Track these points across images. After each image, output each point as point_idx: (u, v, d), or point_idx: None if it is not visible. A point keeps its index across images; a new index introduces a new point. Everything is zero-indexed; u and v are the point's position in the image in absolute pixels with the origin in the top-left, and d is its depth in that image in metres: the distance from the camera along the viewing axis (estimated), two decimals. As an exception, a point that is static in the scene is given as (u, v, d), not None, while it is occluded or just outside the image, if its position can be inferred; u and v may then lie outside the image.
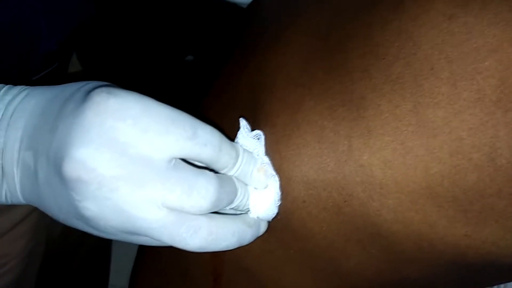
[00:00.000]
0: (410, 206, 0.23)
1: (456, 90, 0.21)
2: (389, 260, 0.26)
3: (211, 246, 0.23)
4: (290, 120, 0.26)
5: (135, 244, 0.42)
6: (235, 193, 0.24)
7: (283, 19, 0.32)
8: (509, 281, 0.32)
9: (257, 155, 0.26)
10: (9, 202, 0.25)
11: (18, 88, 0.25)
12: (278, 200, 0.26)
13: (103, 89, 0.22)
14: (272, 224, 0.27)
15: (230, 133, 0.26)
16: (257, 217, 0.26)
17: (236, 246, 0.25)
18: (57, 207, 0.23)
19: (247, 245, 0.26)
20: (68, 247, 0.61)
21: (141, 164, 0.21)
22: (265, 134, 0.27)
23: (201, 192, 0.22)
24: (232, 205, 0.25)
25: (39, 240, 0.53)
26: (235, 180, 0.25)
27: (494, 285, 0.32)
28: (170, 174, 0.22)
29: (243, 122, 0.27)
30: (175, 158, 0.22)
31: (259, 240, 0.27)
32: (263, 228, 0.26)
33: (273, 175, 0.26)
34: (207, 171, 0.23)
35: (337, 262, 0.27)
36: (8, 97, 0.25)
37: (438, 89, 0.22)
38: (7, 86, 0.25)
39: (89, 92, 0.22)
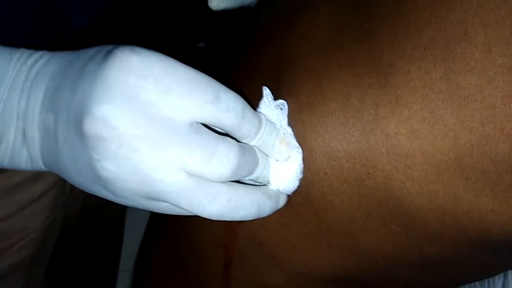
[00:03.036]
0: (436, 178, 0.22)
1: (491, 55, 0.21)
2: (410, 236, 0.25)
3: (229, 214, 0.23)
4: (314, 88, 0.25)
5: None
6: (256, 163, 0.24)
7: None
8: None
9: (280, 126, 0.26)
10: (30, 168, 0.25)
11: (40, 53, 0.25)
12: (300, 173, 0.25)
13: (126, 47, 0.21)
14: (292, 197, 0.26)
15: (254, 103, 0.26)
16: (277, 190, 0.25)
17: (254, 217, 0.24)
18: (75, 170, 0.23)
19: (261, 219, 0.25)
20: (82, 226, 0.62)
21: (162, 126, 0.21)
22: (288, 104, 0.26)
23: (222, 159, 0.22)
24: (252, 176, 0.24)
25: (57, 217, 0.53)
26: (256, 150, 0.24)
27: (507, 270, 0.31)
28: (191, 138, 0.21)
29: (266, 91, 0.26)
30: (197, 122, 0.22)
31: (277, 213, 0.26)
32: (282, 201, 0.26)
33: (296, 147, 0.25)
34: (229, 138, 0.23)
35: (356, 237, 0.26)
36: (31, 60, 0.24)
37: (471, 54, 0.21)
38: (30, 51, 0.25)
39: (111, 50, 0.22)
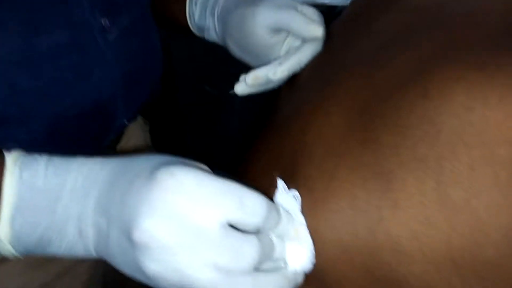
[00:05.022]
0: (434, 274, 0.26)
1: (474, 173, 0.24)
2: None
3: None
4: (326, 187, 0.30)
5: None
6: (273, 249, 0.28)
7: (324, 89, 0.35)
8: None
9: (294, 214, 0.30)
10: (84, 256, 0.30)
11: (93, 160, 0.30)
12: (312, 256, 0.29)
13: (164, 168, 0.26)
14: (309, 280, 0.30)
15: (270, 191, 0.30)
16: (294, 270, 0.29)
17: None
18: (125, 264, 0.28)
19: None
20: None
21: (195, 233, 0.26)
22: (302, 196, 0.30)
23: (247, 257, 0.26)
24: (271, 260, 0.28)
25: (98, 275, 0.57)
26: (273, 238, 0.28)
27: None
28: (219, 241, 0.26)
29: (281, 182, 0.30)
30: (226, 224, 0.26)
31: None
32: (299, 279, 0.30)
33: (307, 235, 0.29)
34: (251, 237, 0.27)
35: None
36: (85, 168, 0.30)
37: (458, 171, 0.24)
38: (84, 158, 0.30)
39: (152, 169, 0.27)
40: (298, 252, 0.29)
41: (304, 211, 0.30)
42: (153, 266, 0.26)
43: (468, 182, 0.24)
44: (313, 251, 0.29)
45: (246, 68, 0.44)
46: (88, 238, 0.29)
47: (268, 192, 0.30)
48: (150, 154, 0.29)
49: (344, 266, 0.29)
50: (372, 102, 0.30)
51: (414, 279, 0.26)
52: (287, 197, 0.30)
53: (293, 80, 0.43)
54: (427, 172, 0.25)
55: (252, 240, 0.27)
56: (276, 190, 0.30)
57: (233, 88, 0.43)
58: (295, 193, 0.30)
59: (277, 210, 0.28)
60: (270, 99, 0.46)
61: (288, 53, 0.42)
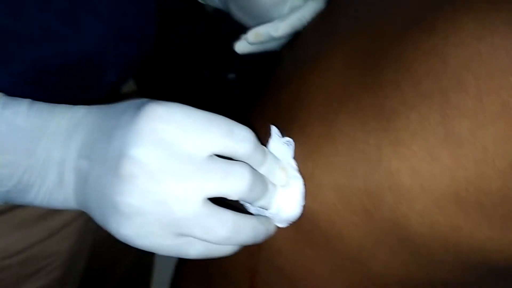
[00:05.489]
0: (437, 210, 0.25)
1: (482, 103, 0.23)
2: (418, 263, 0.27)
3: (234, 237, 0.26)
4: (325, 132, 0.29)
5: (175, 258, 0.44)
6: (266, 186, 0.27)
7: (325, 39, 0.35)
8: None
9: (286, 159, 0.29)
10: (64, 207, 0.29)
11: (77, 107, 0.29)
12: (302, 201, 0.29)
13: (152, 101, 0.26)
14: (301, 224, 0.29)
15: (266, 142, 0.30)
16: (281, 218, 0.29)
17: (251, 242, 0.27)
18: (98, 209, 0.27)
19: (278, 246, 0.30)
20: (113, 252, 0.64)
21: (183, 160, 0.25)
22: (298, 143, 0.30)
23: (237, 176, 0.25)
24: (260, 202, 0.28)
25: (86, 242, 0.56)
26: (265, 177, 0.28)
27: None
28: (208, 166, 0.25)
29: (274, 129, 0.30)
30: (213, 154, 0.26)
31: (290, 241, 0.29)
32: (272, 228, 0.29)
33: (298, 177, 0.29)
34: (241, 162, 0.26)
35: (367, 264, 0.28)
36: (69, 114, 0.29)
37: (465, 102, 0.24)
38: (67, 106, 0.30)
39: (139, 105, 0.26)
40: (288, 199, 0.29)
41: (301, 157, 0.30)
42: (132, 200, 0.25)
43: (474, 114, 0.23)
44: (303, 199, 0.29)
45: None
46: (69, 186, 0.28)
47: (265, 143, 0.29)
48: (137, 98, 0.29)
49: (340, 209, 0.28)
50: (375, 44, 0.29)
51: (414, 217, 0.25)
52: (279, 144, 0.30)
53: (294, 40, 0.42)
54: (432, 107, 0.25)
55: (242, 163, 0.26)
56: (269, 138, 0.30)
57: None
58: (289, 139, 0.30)
59: (264, 149, 0.28)
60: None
61: (291, 12, 0.41)
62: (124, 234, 0.26)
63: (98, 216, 0.27)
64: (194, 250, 0.27)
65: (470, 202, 0.24)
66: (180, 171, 0.25)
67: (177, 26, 0.99)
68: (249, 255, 0.34)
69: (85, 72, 0.42)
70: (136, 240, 0.26)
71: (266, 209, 0.28)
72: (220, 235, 0.26)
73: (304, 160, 0.29)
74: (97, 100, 0.32)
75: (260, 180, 0.27)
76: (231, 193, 0.25)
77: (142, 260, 0.74)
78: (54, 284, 0.53)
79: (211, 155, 0.26)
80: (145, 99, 0.27)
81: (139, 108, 0.26)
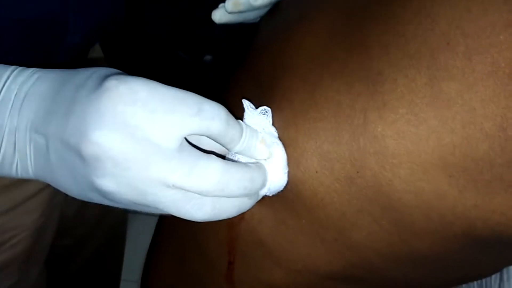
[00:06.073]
0: (422, 176, 0.24)
1: (471, 63, 0.22)
2: (400, 233, 0.26)
3: (213, 218, 0.25)
4: (308, 96, 0.27)
5: (148, 239, 0.43)
6: (250, 180, 0.25)
7: (306, 7, 0.33)
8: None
9: (264, 128, 0.28)
10: (19, 176, 0.27)
11: (30, 70, 0.27)
12: (286, 167, 0.27)
13: (114, 77, 0.24)
14: (284, 194, 0.28)
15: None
16: (270, 189, 0.27)
17: (236, 215, 0.26)
18: (74, 183, 0.25)
19: (260, 216, 0.28)
20: (82, 227, 0.63)
21: (148, 146, 0.23)
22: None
23: (201, 174, 0.24)
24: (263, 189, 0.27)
25: (52, 216, 0.54)
26: (253, 166, 0.26)
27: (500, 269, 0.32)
28: (173, 156, 0.23)
29: (246, 103, 0.28)
30: (184, 139, 0.24)
31: (272, 211, 0.28)
32: (255, 199, 0.28)
33: (278, 143, 0.27)
34: (212, 155, 0.25)
35: (348, 233, 0.28)
36: (21, 78, 0.26)
37: (453, 62, 0.23)
38: (20, 68, 0.27)
39: (100, 79, 0.24)
40: (273, 169, 0.27)
41: (283, 123, 0.28)
42: (106, 181, 0.23)
43: (463, 74, 0.23)
44: (287, 166, 0.27)
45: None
46: (26, 157, 0.26)
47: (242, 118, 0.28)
48: (96, 67, 0.26)
49: (323, 177, 0.27)
50: (361, 4, 0.28)
51: (398, 184, 0.25)
52: (255, 115, 0.28)
53: (273, 9, 0.40)
54: (419, 68, 0.24)
55: (211, 157, 0.24)
56: (244, 112, 0.28)
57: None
58: (265, 107, 0.28)
59: (236, 120, 0.26)
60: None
61: None
62: (109, 204, 0.26)
63: (75, 190, 0.26)
64: None
65: (456, 167, 0.23)
66: (144, 158, 0.23)
67: (151, 5, 0.96)
68: (228, 228, 0.32)
69: (44, 31, 0.39)
70: (122, 207, 0.26)
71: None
72: (197, 217, 0.25)
73: (286, 126, 0.28)
74: (62, 64, 0.29)
75: (235, 178, 0.25)
76: (194, 190, 0.24)
77: (114, 238, 0.72)
78: (19, 258, 0.51)
79: (181, 141, 0.24)
80: (108, 70, 0.25)
81: (100, 83, 0.24)
